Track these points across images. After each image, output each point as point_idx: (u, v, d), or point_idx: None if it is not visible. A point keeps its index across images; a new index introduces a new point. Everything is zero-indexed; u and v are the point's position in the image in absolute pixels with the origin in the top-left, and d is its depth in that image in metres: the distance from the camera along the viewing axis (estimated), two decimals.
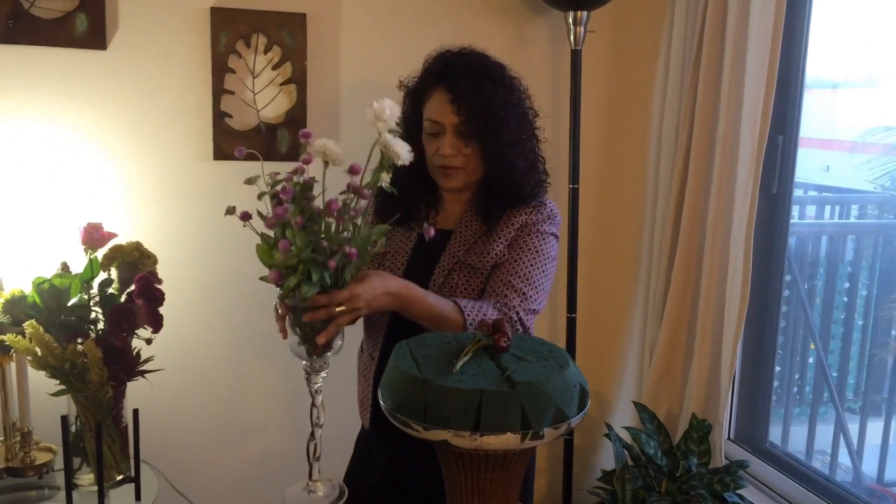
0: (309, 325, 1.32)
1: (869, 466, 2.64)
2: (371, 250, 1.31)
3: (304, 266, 1.23)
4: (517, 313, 1.53)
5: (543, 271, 1.60)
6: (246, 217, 1.29)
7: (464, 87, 1.55)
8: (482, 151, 1.58)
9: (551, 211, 1.66)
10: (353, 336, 1.76)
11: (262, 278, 1.30)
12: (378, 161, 1.30)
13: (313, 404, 1.39)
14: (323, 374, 1.38)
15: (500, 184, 1.60)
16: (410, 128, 1.65)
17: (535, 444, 1.05)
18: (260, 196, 1.28)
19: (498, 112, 1.55)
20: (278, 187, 1.26)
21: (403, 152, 1.26)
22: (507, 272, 1.58)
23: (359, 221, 1.29)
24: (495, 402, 1.03)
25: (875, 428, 2.64)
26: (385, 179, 1.28)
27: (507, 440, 1.03)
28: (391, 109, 1.27)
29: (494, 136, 1.56)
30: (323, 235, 1.25)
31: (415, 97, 1.66)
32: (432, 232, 1.35)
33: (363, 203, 1.28)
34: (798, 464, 2.22)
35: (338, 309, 1.30)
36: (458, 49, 1.65)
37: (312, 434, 1.40)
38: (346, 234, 1.28)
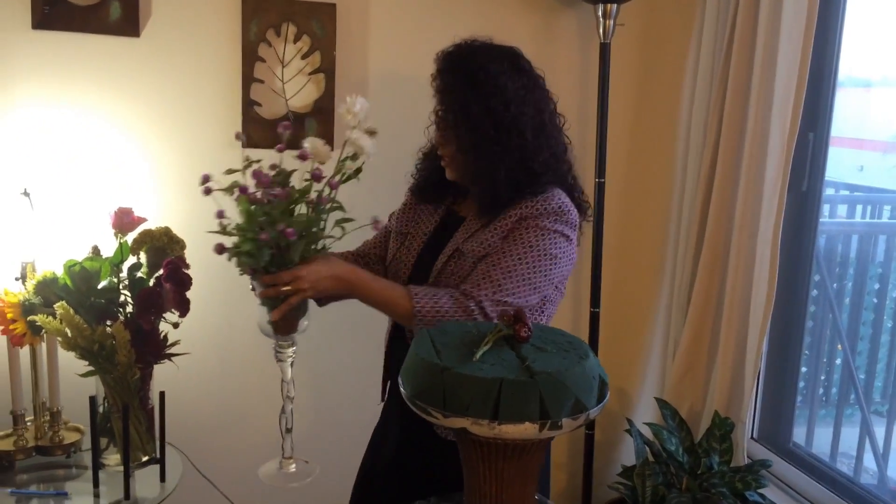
0: (270, 304, 1.42)
1: (894, 471, 2.60)
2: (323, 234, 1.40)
3: (242, 239, 1.34)
4: (479, 304, 1.47)
5: (534, 267, 1.52)
6: (208, 192, 1.40)
7: (441, 81, 1.58)
8: (454, 142, 1.58)
9: (559, 206, 1.56)
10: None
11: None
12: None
13: (283, 379, 1.49)
14: (291, 351, 1.49)
15: (476, 180, 1.59)
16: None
17: (553, 434, 1.05)
18: (229, 171, 1.39)
19: (462, 109, 1.54)
20: (251, 168, 1.36)
21: (368, 146, 1.37)
22: (489, 262, 1.53)
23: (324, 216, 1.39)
24: (514, 391, 1.04)
25: None
26: (351, 167, 1.38)
27: (526, 429, 1.04)
28: (361, 105, 1.36)
29: (462, 131, 1.55)
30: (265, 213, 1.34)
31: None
32: (380, 225, 1.46)
33: (328, 192, 1.37)
34: (822, 465, 2.20)
35: (283, 289, 1.38)
36: (466, 40, 1.63)
37: (283, 408, 1.48)
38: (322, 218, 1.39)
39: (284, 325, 1.44)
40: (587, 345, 1.19)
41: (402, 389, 1.16)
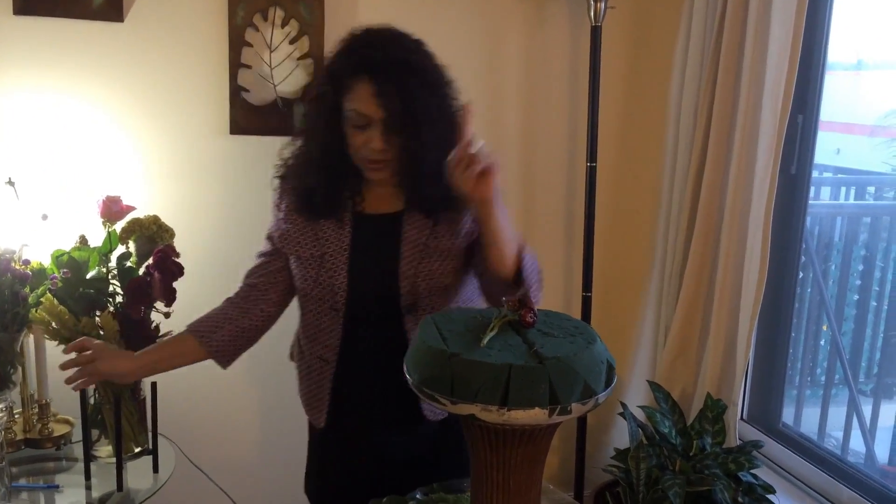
0: None
1: (881, 449, 2.63)
2: None
3: None
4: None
5: None
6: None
7: (389, 81, 1.43)
8: (405, 146, 1.47)
9: None
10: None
11: None
12: None
13: None
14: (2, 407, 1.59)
15: (421, 181, 1.50)
16: (329, 111, 1.51)
17: (562, 419, 1.05)
18: None
19: (422, 109, 1.44)
20: None
21: None
22: None
23: None
24: (524, 376, 1.03)
25: (888, 410, 2.63)
26: None
27: (535, 415, 1.03)
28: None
29: (417, 133, 1.44)
30: None
31: (335, 81, 1.50)
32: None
33: None
34: (811, 444, 2.22)
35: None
36: (380, 31, 1.51)
37: None
38: None
39: None
40: (593, 329, 1.18)
41: (407, 377, 1.14)
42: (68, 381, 1.60)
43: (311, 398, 1.69)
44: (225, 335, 1.63)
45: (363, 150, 1.49)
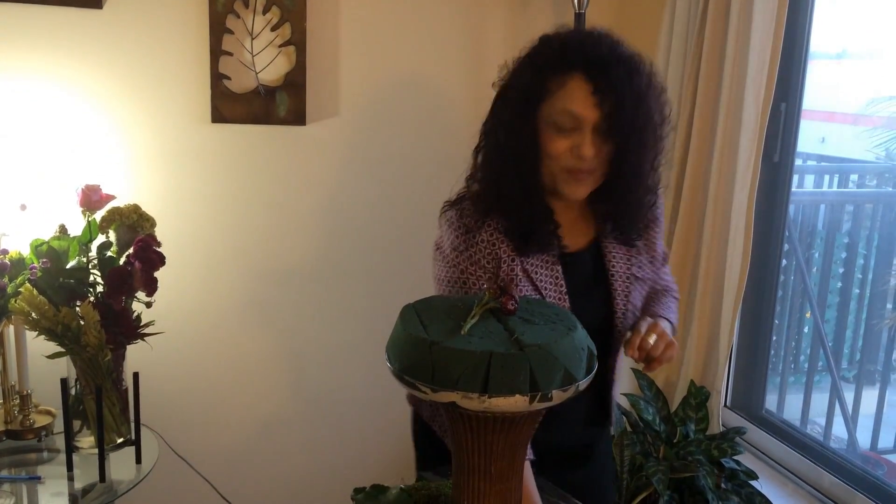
0: None
1: (863, 436, 2.66)
2: None
3: None
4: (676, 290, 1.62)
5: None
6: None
7: (613, 76, 1.29)
8: (613, 154, 1.35)
9: None
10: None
11: None
12: None
13: None
14: None
15: (624, 196, 1.41)
16: (530, 117, 1.35)
17: (543, 406, 1.04)
18: None
19: (646, 111, 1.33)
20: None
21: None
22: (653, 256, 1.54)
23: None
24: (504, 364, 1.03)
25: (870, 396, 2.66)
26: None
27: (516, 402, 1.03)
28: None
29: (638, 138, 1.33)
30: None
31: (537, 84, 1.34)
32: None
33: None
34: (794, 430, 2.24)
35: None
36: (583, 29, 1.40)
37: None
38: None
39: None
40: (574, 316, 1.18)
41: (388, 365, 1.14)
42: None
43: None
44: None
45: (565, 158, 1.34)
